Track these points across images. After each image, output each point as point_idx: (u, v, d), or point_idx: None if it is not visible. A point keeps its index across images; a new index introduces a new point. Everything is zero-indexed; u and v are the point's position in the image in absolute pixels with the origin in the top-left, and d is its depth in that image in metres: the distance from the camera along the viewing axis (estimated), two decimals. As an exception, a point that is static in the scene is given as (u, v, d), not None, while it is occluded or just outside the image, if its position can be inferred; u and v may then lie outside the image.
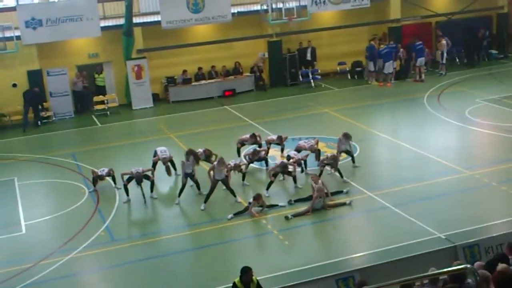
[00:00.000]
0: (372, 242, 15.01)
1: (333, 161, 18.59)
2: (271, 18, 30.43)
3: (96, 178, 19.09)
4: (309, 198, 16.92)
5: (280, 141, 20.68)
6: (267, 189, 17.99)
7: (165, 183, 19.48)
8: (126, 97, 30.05)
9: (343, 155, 19.51)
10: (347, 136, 19.43)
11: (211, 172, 17.94)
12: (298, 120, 25.09)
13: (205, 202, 17.34)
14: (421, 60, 30.60)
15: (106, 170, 19.16)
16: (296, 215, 16.41)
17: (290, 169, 18.34)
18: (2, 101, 27.70)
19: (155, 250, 15.38)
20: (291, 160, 19.09)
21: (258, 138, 20.72)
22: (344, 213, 16.68)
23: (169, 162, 19.39)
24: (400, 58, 31.30)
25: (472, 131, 22.69)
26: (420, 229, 15.23)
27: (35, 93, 27.48)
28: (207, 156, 19.48)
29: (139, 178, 18.05)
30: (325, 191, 17.08)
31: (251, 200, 17.11)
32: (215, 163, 17.71)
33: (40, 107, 27.76)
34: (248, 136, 20.76)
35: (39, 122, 27.52)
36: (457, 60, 33.77)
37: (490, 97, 26.35)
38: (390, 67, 30.37)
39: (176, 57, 30.71)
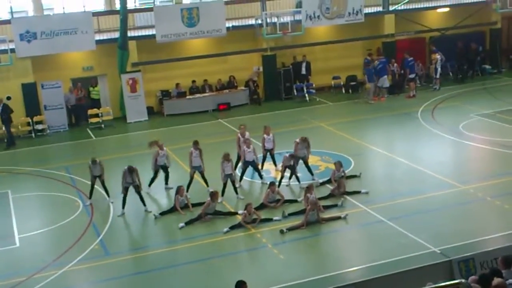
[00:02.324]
0: (367, 256, 15.00)
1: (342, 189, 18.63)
2: (265, 33, 30.54)
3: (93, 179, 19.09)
4: (303, 212, 16.92)
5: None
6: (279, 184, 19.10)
7: (159, 196, 19.46)
8: (121, 110, 30.05)
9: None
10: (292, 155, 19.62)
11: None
12: (292, 134, 24.94)
13: (186, 223, 17.28)
14: (412, 75, 30.75)
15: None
16: (291, 229, 16.40)
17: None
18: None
19: (150, 263, 15.32)
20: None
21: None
22: (339, 227, 16.68)
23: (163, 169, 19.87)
24: (394, 72, 31.43)
25: (466, 146, 22.76)
26: (415, 243, 15.24)
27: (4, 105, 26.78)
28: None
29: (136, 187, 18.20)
30: (318, 204, 17.10)
31: (241, 211, 17.37)
32: (208, 199, 17.61)
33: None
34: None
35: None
36: (451, 74, 33.92)
37: (484, 111, 26.48)
38: (385, 81, 30.47)
39: (171, 71, 30.78)
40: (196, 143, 19.55)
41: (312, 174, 19.88)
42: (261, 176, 20.03)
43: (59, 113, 28.65)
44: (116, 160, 23.90)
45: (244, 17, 32.00)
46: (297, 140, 19.80)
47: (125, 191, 18.36)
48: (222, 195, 18.68)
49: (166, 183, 20.08)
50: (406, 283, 12.90)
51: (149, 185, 19.73)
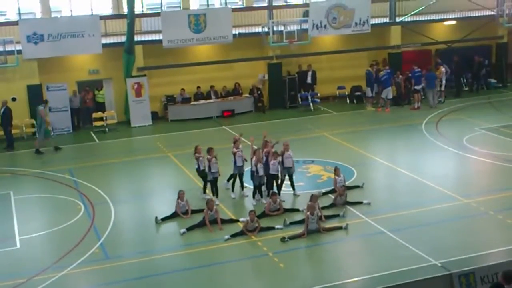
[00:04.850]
0: (367, 267, 14.95)
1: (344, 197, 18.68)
2: (272, 41, 30.60)
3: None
4: (304, 221, 16.90)
5: None
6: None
7: (160, 201, 19.47)
8: (125, 115, 30.08)
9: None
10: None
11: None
12: (296, 143, 25.00)
13: (187, 229, 17.23)
14: (417, 87, 30.74)
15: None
16: (292, 238, 16.39)
17: None
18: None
19: (150, 268, 15.28)
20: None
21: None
22: (339, 237, 16.63)
23: None
24: (398, 84, 31.38)
25: (469, 159, 22.73)
26: (415, 255, 15.18)
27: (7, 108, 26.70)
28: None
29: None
30: (319, 214, 17.09)
31: (243, 218, 17.40)
32: (205, 208, 17.61)
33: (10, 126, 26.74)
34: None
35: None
36: (464, 87, 34.04)
37: (488, 125, 26.46)
38: (390, 93, 30.50)
39: (176, 76, 30.84)
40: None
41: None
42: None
43: (64, 115, 28.69)
44: (119, 164, 23.96)
45: (251, 25, 32.07)
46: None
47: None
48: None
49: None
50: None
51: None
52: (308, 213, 16.68)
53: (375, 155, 23.36)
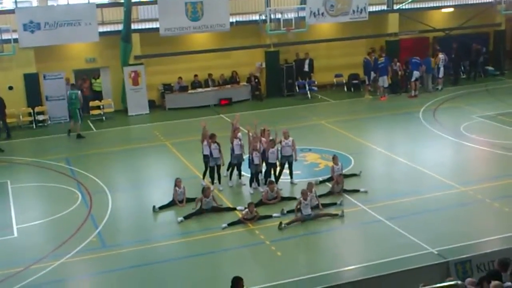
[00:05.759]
0: (364, 255, 15.01)
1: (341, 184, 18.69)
2: (269, 28, 30.50)
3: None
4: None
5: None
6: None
7: (158, 189, 19.47)
8: (122, 103, 30.01)
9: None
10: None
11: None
12: (293, 131, 24.78)
13: (185, 218, 17.26)
14: (415, 74, 30.64)
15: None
16: (289, 223, 16.45)
17: None
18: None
19: (147, 257, 15.31)
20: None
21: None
22: (337, 225, 16.68)
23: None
24: (396, 72, 31.32)
25: (466, 147, 22.73)
26: (412, 243, 15.24)
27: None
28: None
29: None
30: (316, 202, 17.17)
31: (240, 207, 17.50)
32: (201, 195, 17.62)
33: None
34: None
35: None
36: (462, 74, 34.03)
37: (486, 113, 26.45)
38: (385, 81, 30.47)
39: (174, 65, 30.74)
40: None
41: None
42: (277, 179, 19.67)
43: (61, 104, 28.57)
44: (116, 153, 23.93)
45: (248, 13, 31.93)
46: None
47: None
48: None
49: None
50: (403, 284, 12.92)
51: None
52: (301, 198, 16.75)
53: (373, 143, 23.36)
